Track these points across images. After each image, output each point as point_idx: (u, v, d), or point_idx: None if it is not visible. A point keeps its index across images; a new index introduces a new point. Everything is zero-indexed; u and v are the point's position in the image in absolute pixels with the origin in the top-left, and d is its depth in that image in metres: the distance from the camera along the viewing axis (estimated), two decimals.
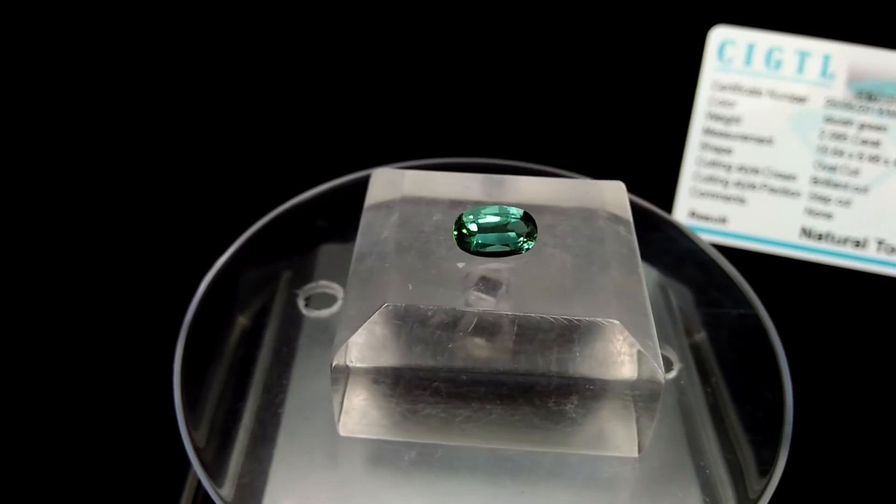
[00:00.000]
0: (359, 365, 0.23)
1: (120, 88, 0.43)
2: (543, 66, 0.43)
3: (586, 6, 0.42)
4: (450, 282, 0.23)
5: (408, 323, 0.23)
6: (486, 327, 0.23)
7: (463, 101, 0.43)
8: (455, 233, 0.24)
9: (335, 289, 0.30)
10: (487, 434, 0.24)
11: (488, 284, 0.23)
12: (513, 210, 0.24)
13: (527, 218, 0.24)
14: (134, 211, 0.40)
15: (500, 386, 0.23)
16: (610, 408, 0.24)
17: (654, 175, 0.39)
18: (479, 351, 0.23)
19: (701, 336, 0.31)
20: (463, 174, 0.28)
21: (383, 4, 0.43)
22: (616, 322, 0.22)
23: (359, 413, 0.24)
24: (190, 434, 0.25)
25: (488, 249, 0.23)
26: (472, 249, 0.24)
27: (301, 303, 0.30)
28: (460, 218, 0.24)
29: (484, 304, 0.23)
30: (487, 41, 0.43)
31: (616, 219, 0.26)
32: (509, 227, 0.23)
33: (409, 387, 0.23)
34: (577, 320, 0.22)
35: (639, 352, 0.23)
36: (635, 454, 0.24)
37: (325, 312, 0.30)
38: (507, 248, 0.23)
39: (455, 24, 0.43)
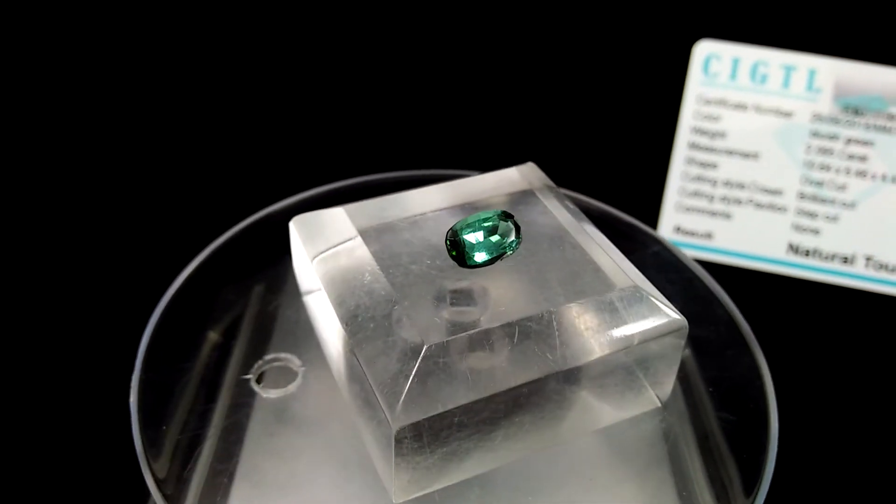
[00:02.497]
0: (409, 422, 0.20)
1: (91, 97, 0.42)
2: (529, 80, 0.42)
3: (572, 20, 0.42)
4: (465, 303, 0.23)
5: (450, 359, 0.21)
6: (530, 335, 0.22)
7: (445, 112, 0.42)
8: (453, 252, 0.23)
9: (288, 359, 0.28)
10: (528, 443, 0.23)
11: (499, 295, 0.23)
12: (489, 214, 0.23)
13: (507, 216, 0.23)
14: (103, 216, 0.39)
15: (517, 396, 0.22)
16: (622, 375, 0.24)
17: (640, 190, 0.39)
18: (511, 365, 0.22)
19: (685, 353, 0.30)
20: (397, 194, 0.27)
21: (351, 21, 0.43)
22: (631, 284, 0.24)
23: (406, 474, 0.22)
24: (150, 465, 0.24)
25: (489, 258, 0.23)
26: (473, 263, 0.23)
27: (253, 383, 0.27)
28: (455, 236, 0.23)
29: (513, 313, 0.22)
30: (475, 50, 0.43)
31: (548, 192, 0.27)
32: (500, 230, 0.23)
33: (435, 431, 0.21)
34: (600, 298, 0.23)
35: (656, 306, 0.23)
36: (659, 404, 0.25)
37: (280, 392, 0.27)
38: (503, 252, 0.23)
39: (442, 36, 0.43)
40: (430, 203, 0.26)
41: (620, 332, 0.23)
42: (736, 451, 0.26)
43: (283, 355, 0.28)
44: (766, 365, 0.28)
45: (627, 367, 0.23)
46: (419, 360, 0.21)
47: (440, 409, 0.20)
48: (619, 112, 0.41)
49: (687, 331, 0.24)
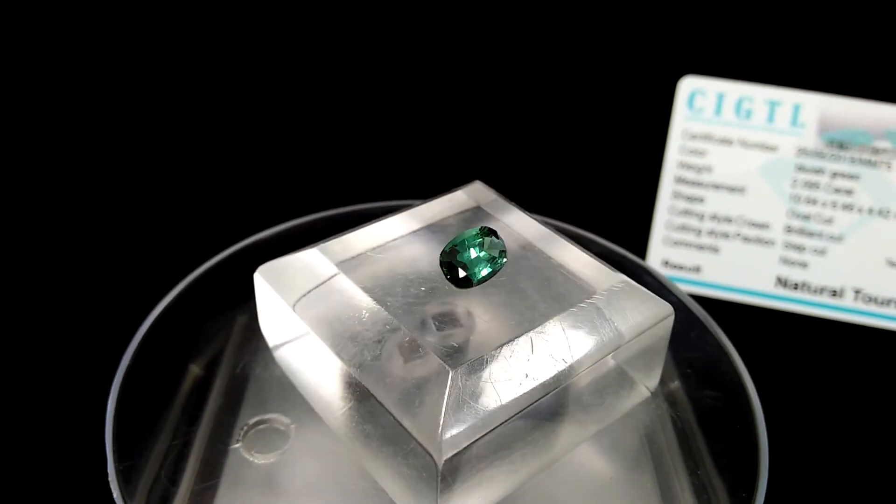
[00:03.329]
0: (453, 452, 0.20)
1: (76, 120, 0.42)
2: (519, 114, 0.42)
3: (557, 57, 0.42)
4: (452, 326, 0.23)
5: (475, 382, 0.21)
6: (533, 349, 0.22)
7: (438, 148, 0.43)
8: (450, 273, 0.23)
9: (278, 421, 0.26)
10: (541, 460, 0.23)
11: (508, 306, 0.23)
12: (472, 231, 0.23)
13: (490, 231, 0.23)
14: (83, 244, 0.38)
15: (536, 411, 0.22)
16: (615, 375, 0.24)
17: (627, 224, 0.39)
18: (529, 380, 0.22)
19: (675, 385, 0.29)
20: (358, 228, 0.27)
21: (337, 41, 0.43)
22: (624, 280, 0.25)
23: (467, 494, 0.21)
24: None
25: (490, 272, 0.23)
26: (477, 280, 0.23)
27: (244, 451, 0.25)
28: (452, 256, 0.23)
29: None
30: (463, 87, 0.43)
31: (500, 207, 0.28)
32: (491, 245, 0.23)
33: (473, 458, 0.21)
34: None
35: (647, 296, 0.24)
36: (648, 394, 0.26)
37: (272, 457, 0.25)
38: (498, 267, 0.23)
39: (427, 72, 0.43)
40: (394, 231, 0.26)
41: (612, 331, 0.23)
42: (727, 482, 0.25)
43: (268, 416, 0.26)
44: (758, 398, 0.27)
45: (621, 364, 0.24)
46: (448, 387, 0.20)
47: (480, 434, 0.20)
48: (606, 147, 0.41)
49: (673, 317, 0.24)
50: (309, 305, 0.24)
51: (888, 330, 0.36)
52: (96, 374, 0.31)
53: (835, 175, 0.37)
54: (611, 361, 0.23)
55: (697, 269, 0.38)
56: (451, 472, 0.20)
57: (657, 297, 0.24)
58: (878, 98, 0.37)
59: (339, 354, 0.22)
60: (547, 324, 0.22)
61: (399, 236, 0.26)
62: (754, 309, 0.37)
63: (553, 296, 0.24)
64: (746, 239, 0.38)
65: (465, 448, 0.20)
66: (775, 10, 0.40)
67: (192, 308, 0.30)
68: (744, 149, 0.38)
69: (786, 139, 0.38)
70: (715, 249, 0.38)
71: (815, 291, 0.37)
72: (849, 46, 0.39)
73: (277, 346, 0.26)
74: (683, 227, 0.38)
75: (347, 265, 0.25)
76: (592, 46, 0.41)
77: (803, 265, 0.37)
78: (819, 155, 0.38)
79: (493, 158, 0.42)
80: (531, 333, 0.22)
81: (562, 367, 0.22)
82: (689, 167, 0.38)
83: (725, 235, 0.38)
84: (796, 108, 0.38)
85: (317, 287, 0.24)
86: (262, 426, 0.26)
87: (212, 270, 0.32)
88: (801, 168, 0.38)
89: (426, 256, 0.25)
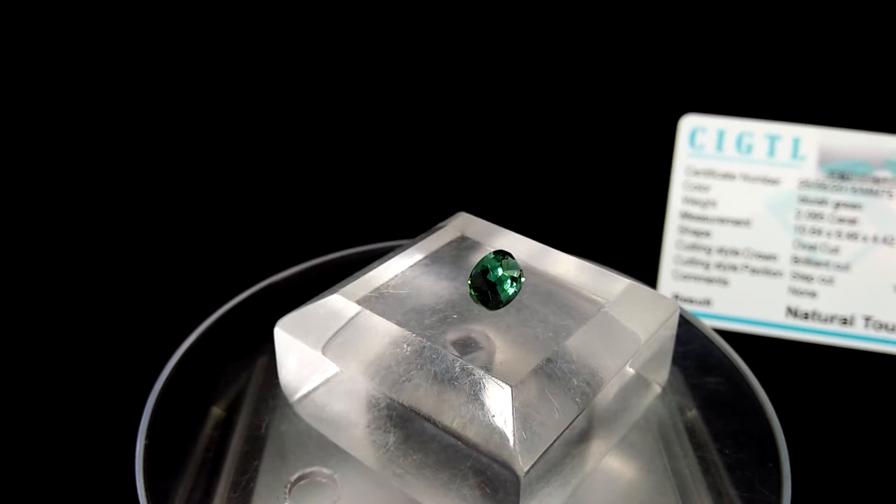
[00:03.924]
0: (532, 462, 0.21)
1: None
2: (525, 155, 0.43)
3: (560, 99, 0.43)
4: (492, 341, 0.24)
5: (531, 395, 0.22)
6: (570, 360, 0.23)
7: (437, 192, 0.43)
8: (480, 297, 0.23)
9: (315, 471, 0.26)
10: (580, 473, 0.24)
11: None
12: (488, 256, 0.24)
13: (503, 253, 0.24)
14: (99, 288, 0.39)
15: (582, 420, 0.23)
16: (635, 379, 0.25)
17: (636, 260, 0.39)
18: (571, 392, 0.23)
19: (693, 414, 0.29)
20: (365, 269, 0.27)
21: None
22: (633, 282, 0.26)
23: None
24: None
25: (517, 290, 0.24)
26: (507, 297, 0.23)
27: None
28: (482, 278, 0.23)
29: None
30: (469, 128, 0.44)
31: (489, 233, 0.29)
32: (511, 265, 0.23)
33: (543, 468, 0.21)
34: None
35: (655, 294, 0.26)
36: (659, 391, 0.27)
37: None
38: (520, 286, 0.24)
39: (426, 117, 0.44)
40: (396, 268, 0.27)
41: (630, 336, 0.24)
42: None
43: (309, 469, 0.26)
44: (780, 427, 0.28)
45: (639, 369, 0.25)
46: (511, 402, 0.21)
47: (547, 445, 0.21)
48: (612, 186, 0.42)
49: (678, 313, 0.26)
50: (338, 347, 0.24)
51: None
52: (115, 425, 0.31)
53: (838, 205, 0.38)
54: (631, 364, 0.24)
55: (708, 302, 0.38)
56: (528, 485, 0.20)
57: (660, 294, 0.26)
58: (875, 129, 0.38)
59: (380, 387, 0.22)
60: (571, 338, 0.23)
61: (402, 271, 0.27)
62: (766, 339, 0.37)
63: (565, 311, 0.24)
64: (754, 271, 0.38)
65: (538, 459, 0.20)
66: (769, 48, 0.41)
67: (209, 354, 0.30)
68: (747, 183, 0.39)
69: (787, 172, 0.39)
70: (724, 282, 0.38)
71: (825, 320, 0.37)
72: (844, 80, 0.40)
73: (301, 399, 0.27)
74: (692, 261, 0.39)
75: (367, 301, 0.25)
76: (594, 89, 0.43)
77: (812, 294, 0.37)
78: (821, 186, 0.38)
79: (502, 197, 0.43)
80: (558, 348, 0.23)
81: (595, 377, 0.22)
82: (694, 202, 0.39)
83: (734, 268, 0.38)
84: (796, 142, 0.39)
85: (342, 328, 0.24)
86: (304, 481, 0.26)
87: (220, 321, 0.32)
88: (804, 199, 0.38)
89: (433, 287, 0.25)
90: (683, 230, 0.39)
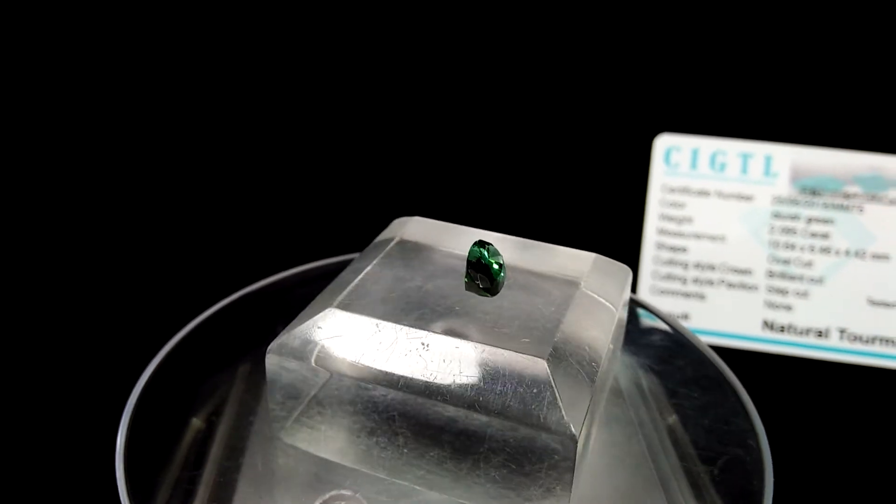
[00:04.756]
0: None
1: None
2: (501, 173, 0.44)
3: (530, 121, 0.44)
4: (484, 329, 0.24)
5: (563, 366, 0.22)
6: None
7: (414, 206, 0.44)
8: (480, 283, 0.24)
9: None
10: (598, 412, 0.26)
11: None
12: (473, 246, 0.24)
13: (485, 244, 0.24)
14: (75, 294, 0.38)
15: None
16: None
17: None
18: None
19: (673, 419, 0.30)
20: (344, 278, 0.27)
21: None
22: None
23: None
24: None
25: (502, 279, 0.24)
26: (501, 284, 0.24)
27: None
28: (479, 262, 0.23)
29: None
30: (442, 154, 0.44)
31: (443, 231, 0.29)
32: (496, 254, 0.24)
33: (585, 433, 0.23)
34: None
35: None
36: None
37: None
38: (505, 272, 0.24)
39: (406, 144, 0.45)
40: (361, 270, 0.27)
41: (609, 306, 0.26)
42: None
43: (330, 494, 0.25)
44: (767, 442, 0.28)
45: (613, 339, 0.26)
46: (549, 373, 0.21)
47: (586, 410, 0.21)
48: (588, 204, 0.43)
49: (631, 275, 0.27)
50: (330, 355, 0.23)
51: (876, 367, 0.37)
52: (91, 435, 0.31)
53: (810, 220, 0.39)
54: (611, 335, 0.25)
55: (686, 317, 0.38)
56: (580, 451, 0.21)
57: (616, 262, 0.27)
58: (844, 146, 0.39)
59: (385, 385, 0.22)
60: (565, 318, 0.23)
61: (369, 275, 0.26)
62: (744, 353, 0.38)
63: (546, 294, 0.25)
64: (731, 285, 0.39)
65: (583, 424, 0.21)
66: (740, 68, 0.42)
67: (188, 363, 0.30)
68: (721, 200, 0.40)
69: (760, 189, 0.40)
70: (701, 297, 0.39)
71: (801, 333, 0.38)
72: (813, 99, 0.41)
73: (294, 427, 0.26)
74: (669, 276, 0.39)
75: (347, 307, 0.25)
76: (568, 109, 0.43)
77: (788, 308, 0.38)
78: (793, 202, 0.39)
79: (480, 215, 0.43)
80: (561, 326, 0.23)
81: (595, 351, 0.23)
82: (670, 219, 0.40)
83: (710, 283, 0.39)
84: (768, 159, 0.40)
85: (331, 338, 0.24)
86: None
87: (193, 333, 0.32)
88: (777, 215, 0.39)
89: (404, 284, 0.25)
90: (660, 246, 0.40)
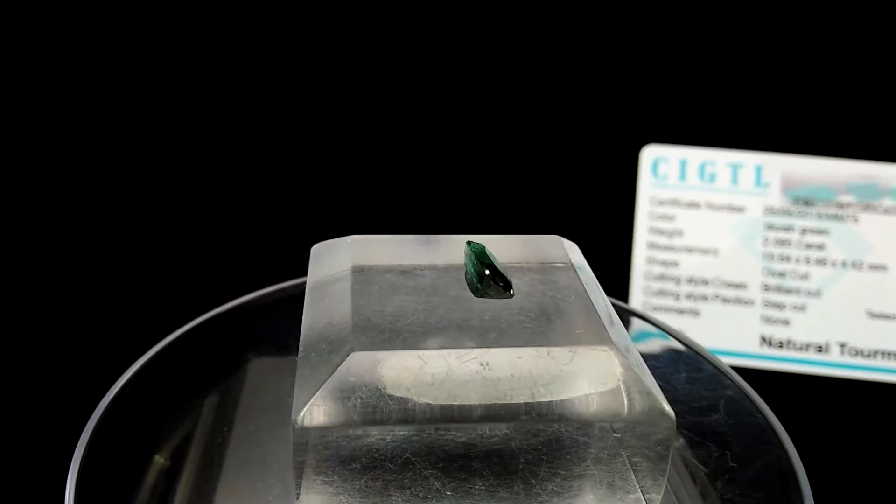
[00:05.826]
0: None
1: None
2: (484, 191, 0.42)
3: (514, 135, 0.42)
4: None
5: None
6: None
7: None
8: (500, 283, 0.22)
9: None
10: None
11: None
12: (469, 248, 0.23)
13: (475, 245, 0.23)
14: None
15: None
16: None
17: (605, 291, 0.38)
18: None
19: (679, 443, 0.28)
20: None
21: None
22: None
23: None
24: None
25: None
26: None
27: None
28: (490, 266, 0.22)
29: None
30: (425, 167, 0.42)
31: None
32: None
33: None
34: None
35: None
36: None
37: None
38: None
39: (389, 160, 0.43)
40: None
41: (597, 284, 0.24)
42: None
43: None
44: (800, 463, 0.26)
45: None
46: (627, 360, 0.20)
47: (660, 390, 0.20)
48: (576, 218, 0.41)
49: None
50: (378, 407, 0.19)
51: (880, 382, 0.35)
52: (39, 476, 0.28)
53: (804, 231, 0.37)
54: None
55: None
56: None
57: (558, 238, 0.26)
58: (834, 154, 0.38)
59: (472, 412, 0.19)
60: (587, 299, 0.22)
61: (351, 305, 0.22)
62: (742, 370, 0.36)
63: (552, 285, 0.23)
64: (726, 300, 0.37)
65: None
66: (726, 77, 0.41)
67: (147, 395, 0.27)
68: (712, 211, 0.38)
69: (752, 199, 0.38)
70: (696, 313, 0.37)
71: (800, 348, 0.36)
72: (802, 107, 0.40)
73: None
74: (662, 292, 0.37)
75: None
76: (551, 120, 0.42)
77: (785, 322, 0.36)
78: (786, 213, 0.38)
79: (464, 230, 0.41)
80: (594, 310, 0.22)
81: (622, 327, 0.22)
82: (660, 232, 0.38)
83: (704, 298, 0.37)
84: (758, 169, 0.38)
85: (374, 388, 0.20)
86: None
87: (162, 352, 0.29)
88: (770, 226, 0.38)
89: (400, 308, 0.22)
90: (651, 261, 0.38)
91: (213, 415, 0.27)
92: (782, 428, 0.26)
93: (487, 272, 0.22)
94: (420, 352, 0.20)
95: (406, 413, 0.19)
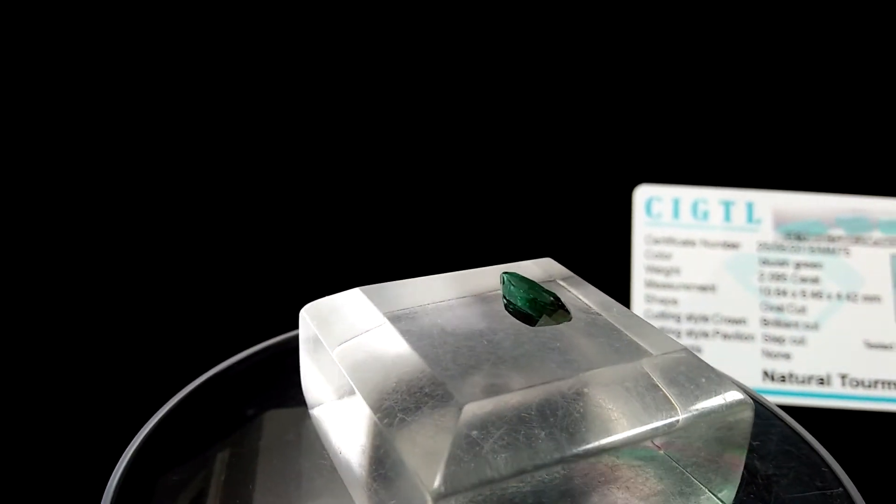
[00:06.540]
0: None
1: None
2: (478, 234, 0.42)
3: (505, 177, 0.42)
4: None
5: None
6: None
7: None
8: (552, 306, 0.22)
9: None
10: None
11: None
12: (515, 281, 0.23)
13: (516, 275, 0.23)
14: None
15: None
16: None
17: None
18: None
19: None
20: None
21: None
22: None
23: None
24: None
25: None
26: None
27: None
28: (543, 291, 0.22)
29: None
30: (414, 210, 0.42)
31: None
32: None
33: None
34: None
35: None
36: None
37: None
38: None
39: (385, 185, 0.42)
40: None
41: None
42: None
43: None
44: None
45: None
46: (698, 357, 0.21)
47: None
48: (572, 261, 0.41)
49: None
50: (509, 464, 0.17)
51: (882, 412, 0.35)
52: None
53: (798, 265, 0.38)
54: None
55: None
56: None
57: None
58: (822, 189, 0.39)
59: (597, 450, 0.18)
60: (628, 311, 0.22)
61: (407, 354, 0.21)
62: None
63: (573, 301, 0.23)
64: (726, 336, 0.37)
65: None
66: (714, 116, 0.42)
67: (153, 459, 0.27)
68: (707, 248, 0.39)
69: (745, 236, 0.39)
70: (697, 349, 0.37)
71: (802, 381, 0.36)
72: (788, 144, 0.41)
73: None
74: (663, 331, 0.37)
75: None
76: (543, 163, 0.42)
77: (786, 356, 0.37)
78: (779, 247, 0.38)
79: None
80: (641, 323, 0.22)
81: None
82: (657, 270, 0.38)
83: (705, 335, 0.37)
84: (749, 206, 0.39)
85: (501, 445, 0.18)
86: None
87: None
88: (765, 262, 0.38)
89: (466, 350, 0.21)
90: (650, 299, 0.38)
91: (227, 470, 0.26)
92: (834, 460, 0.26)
93: (552, 299, 0.22)
94: (526, 391, 0.18)
95: (536, 455, 0.17)
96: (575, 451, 0.18)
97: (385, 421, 0.18)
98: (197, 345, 0.38)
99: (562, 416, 0.18)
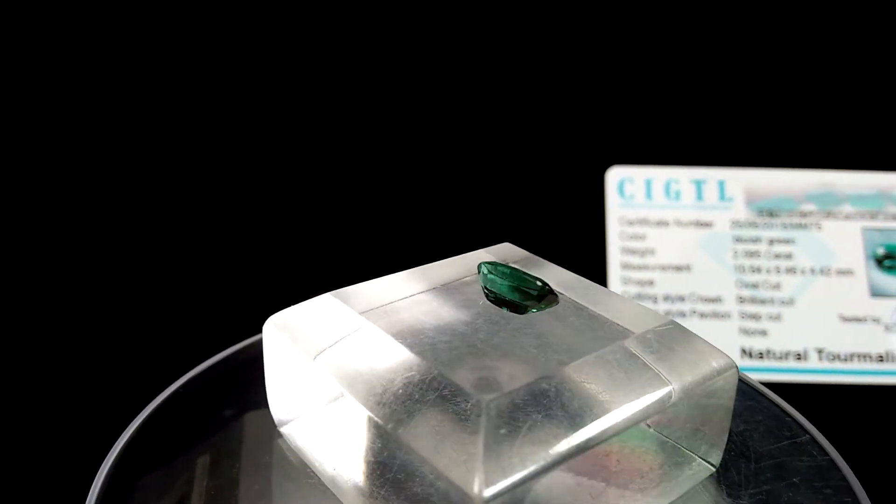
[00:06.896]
0: None
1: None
2: (447, 220, 0.41)
3: (482, 160, 0.42)
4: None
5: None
6: None
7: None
8: (536, 291, 0.22)
9: None
10: None
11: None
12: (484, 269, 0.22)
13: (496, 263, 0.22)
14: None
15: None
16: None
17: None
18: None
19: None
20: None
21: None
22: None
23: None
24: None
25: None
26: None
27: None
28: (530, 277, 0.22)
29: None
30: (392, 197, 0.41)
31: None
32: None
33: None
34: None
35: None
36: None
37: None
38: None
39: (367, 191, 0.42)
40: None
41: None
42: None
43: None
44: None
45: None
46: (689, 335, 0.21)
47: None
48: (546, 244, 0.41)
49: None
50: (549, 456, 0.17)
51: (859, 385, 0.36)
52: None
53: (772, 242, 0.38)
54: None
55: None
56: None
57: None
58: (792, 166, 0.39)
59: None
60: (607, 291, 0.22)
61: (406, 359, 0.20)
62: None
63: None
64: (703, 315, 0.37)
65: None
66: (683, 95, 0.42)
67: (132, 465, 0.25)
68: (680, 228, 0.38)
69: (718, 214, 0.39)
70: None
71: (780, 358, 0.36)
72: (759, 122, 0.41)
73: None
74: (626, 299, 0.37)
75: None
76: (515, 145, 0.42)
77: (763, 333, 0.37)
78: (752, 225, 0.38)
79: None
80: (627, 302, 0.23)
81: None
82: (632, 252, 0.38)
83: (682, 314, 0.37)
84: (721, 185, 0.39)
85: (539, 445, 0.17)
86: None
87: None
88: (738, 239, 0.38)
89: (466, 347, 0.20)
90: (627, 281, 0.38)
91: (209, 475, 0.25)
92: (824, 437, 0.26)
93: (542, 285, 0.22)
94: (544, 379, 0.18)
95: (563, 442, 0.17)
96: (590, 436, 0.17)
97: (389, 426, 0.17)
98: (172, 348, 0.37)
99: (570, 403, 0.18)
